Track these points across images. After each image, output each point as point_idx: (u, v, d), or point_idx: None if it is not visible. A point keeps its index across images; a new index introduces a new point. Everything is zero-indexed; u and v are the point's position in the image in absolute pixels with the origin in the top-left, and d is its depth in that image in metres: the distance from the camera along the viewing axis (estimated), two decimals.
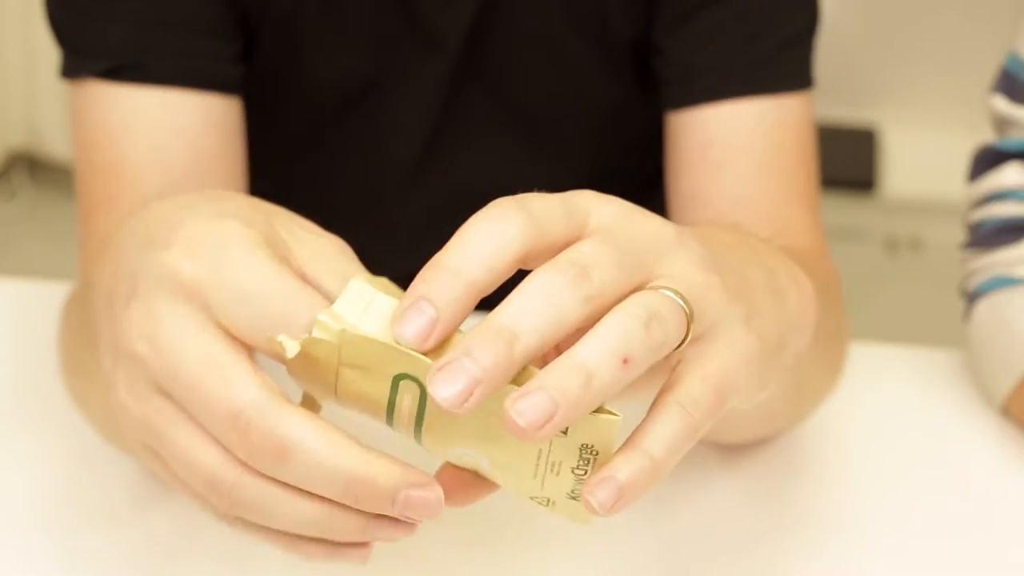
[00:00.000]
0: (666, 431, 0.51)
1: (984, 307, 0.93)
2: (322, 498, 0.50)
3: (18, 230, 2.72)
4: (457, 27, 0.89)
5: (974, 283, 0.94)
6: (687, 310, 0.51)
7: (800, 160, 0.88)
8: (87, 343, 0.66)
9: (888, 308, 2.35)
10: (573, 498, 0.53)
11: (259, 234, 0.52)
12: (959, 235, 0.98)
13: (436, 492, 0.51)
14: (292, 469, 0.49)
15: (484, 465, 0.53)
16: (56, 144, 2.75)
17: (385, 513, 0.51)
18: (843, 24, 2.58)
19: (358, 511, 0.51)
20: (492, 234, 0.51)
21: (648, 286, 0.51)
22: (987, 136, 0.97)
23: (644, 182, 1.04)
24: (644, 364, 0.49)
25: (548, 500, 0.53)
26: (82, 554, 0.79)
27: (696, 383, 0.52)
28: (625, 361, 0.49)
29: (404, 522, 0.51)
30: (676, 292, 0.51)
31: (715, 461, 0.86)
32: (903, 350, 0.99)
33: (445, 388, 0.47)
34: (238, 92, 0.87)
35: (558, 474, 0.52)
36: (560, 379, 0.48)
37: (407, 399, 0.51)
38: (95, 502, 0.83)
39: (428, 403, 0.51)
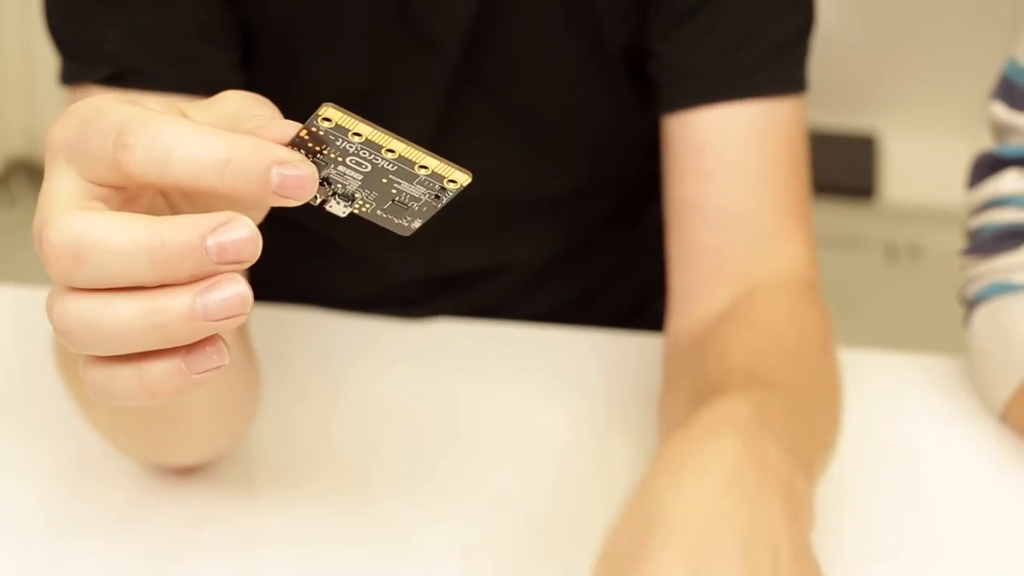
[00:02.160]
0: None
1: (983, 313, 0.93)
2: (137, 289, 0.47)
3: (17, 237, 2.72)
4: (455, 33, 0.89)
5: (973, 289, 0.94)
6: None
7: (792, 166, 0.88)
8: None
9: (888, 315, 2.35)
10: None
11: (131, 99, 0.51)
12: (959, 242, 0.98)
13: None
14: (92, 265, 0.47)
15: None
16: None
17: (203, 257, 0.47)
18: (842, 31, 2.58)
19: (180, 286, 0.47)
20: None
21: None
22: (987, 143, 0.97)
23: (642, 189, 1.04)
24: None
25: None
26: (82, 557, 0.79)
27: None
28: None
29: (226, 277, 0.47)
30: None
31: None
32: (902, 357, 0.99)
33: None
34: None
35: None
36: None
37: None
38: (95, 506, 0.83)
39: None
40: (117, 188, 0.49)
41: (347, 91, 0.92)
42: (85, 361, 0.50)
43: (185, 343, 0.48)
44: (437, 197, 0.51)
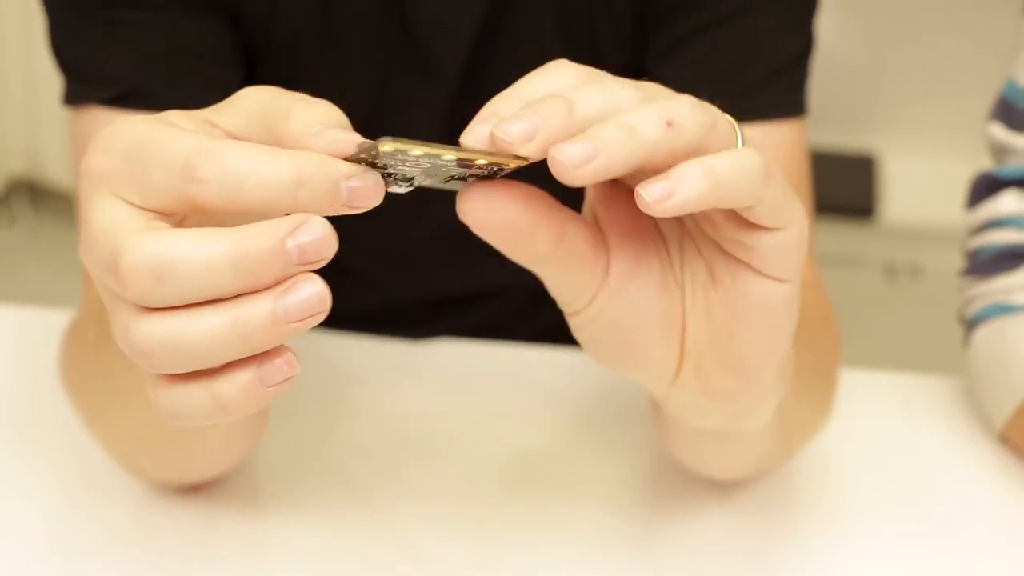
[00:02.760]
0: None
1: (983, 334, 0.93)
2: (219, 302, 0.48)
3: (18, 256, 2.73)
4: (456, 55, 0.90)
5: (973, 310, 0.94)
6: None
7: (794, 189, 0.88)
8: (109, 357, 0.67)
9: (888, 334, 2.35)
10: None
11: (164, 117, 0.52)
12: (959, 261, 0.98)
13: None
14: (175, 283, 0.47)
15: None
16: (57, 171, 2.75)
17: (286, 260, 0.48)
18: (842, 51, 2.59)
19: (259, 293, 0.48)
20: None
21: None
22: (986, 163, 0.98)
23: None
24: (689, 133, 0.51)
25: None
26: None
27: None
28: (669, 124, 0.50)
29: (301, 278, 0.48)
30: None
31: (709, 491, 0.86)
32: (902, 377, 0.99)
33: (513, 125, 0.49)
34: None
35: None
36: (603, 129, 0.49)
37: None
38: (97, 526, 0.83)
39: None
40: (170, 213, 0.50)
41: (348, 112, 0.92)
42: (156, 383, 0.50)
43: (267, 348, 0.49)
44: (494, 174, 0.53)
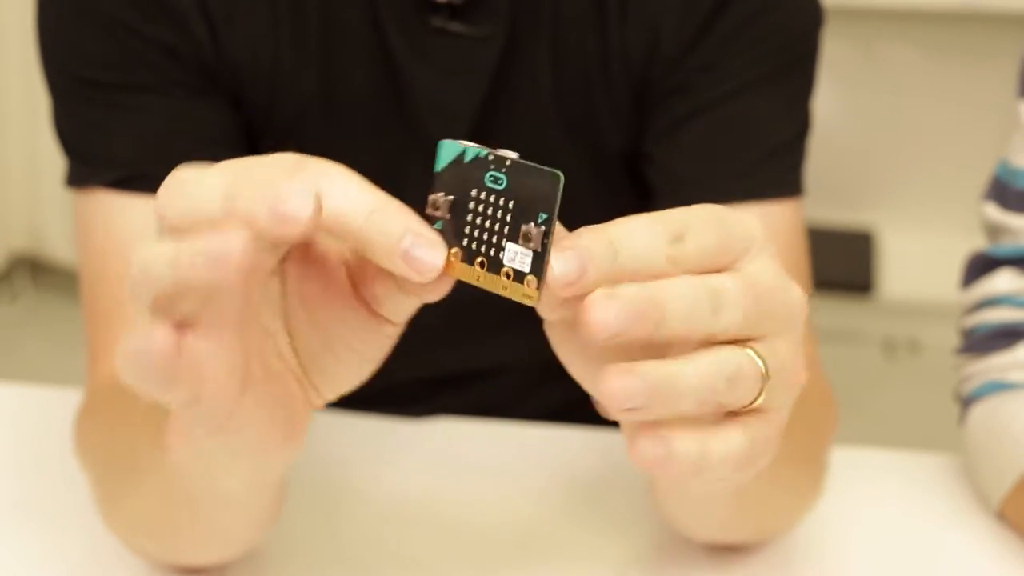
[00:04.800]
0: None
1: (979, 412, 0.93)
2: None
3: (20, 332, 2.73)
4: (455, 136, 0.90)
5: (969, 388, 0.95)
6: (764, 373, 0.54)
7: (790, 269, 0.89)
8: (131, 431, 0.67)
9: (886, 411, 2.35)
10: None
11: None
12: (957, 338, 0.98)
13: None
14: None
15: None
16: (58, 247, 2.76)
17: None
18: (840, 129, 2.61)
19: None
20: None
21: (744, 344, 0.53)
22: (983, 239, 0.98)
23: None
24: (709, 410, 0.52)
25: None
26: None
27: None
28: (702, 404, 0.52)
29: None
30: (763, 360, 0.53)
31: (710, 566, 0.86)
32: (899, 455, 1.00)
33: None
34: None
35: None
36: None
37: None
38: None
39: None
40: None
41: None
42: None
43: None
44: None
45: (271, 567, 0.86)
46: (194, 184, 0.51)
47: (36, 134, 2.63)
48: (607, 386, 0.50)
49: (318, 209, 0.49)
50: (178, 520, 0.75)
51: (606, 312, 0.50)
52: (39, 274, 2.85)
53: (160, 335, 0.49)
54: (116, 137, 0.85)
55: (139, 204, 0.84)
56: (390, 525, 0.90)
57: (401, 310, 0.57)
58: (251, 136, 0.91)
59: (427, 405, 1.04)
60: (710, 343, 0.52)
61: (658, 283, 0.51)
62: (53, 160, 2.57)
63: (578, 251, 0.51)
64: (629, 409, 0.50)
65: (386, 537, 0.89)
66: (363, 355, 0.58)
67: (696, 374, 0.51)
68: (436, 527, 0.90)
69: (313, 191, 0.48)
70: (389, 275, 0.54)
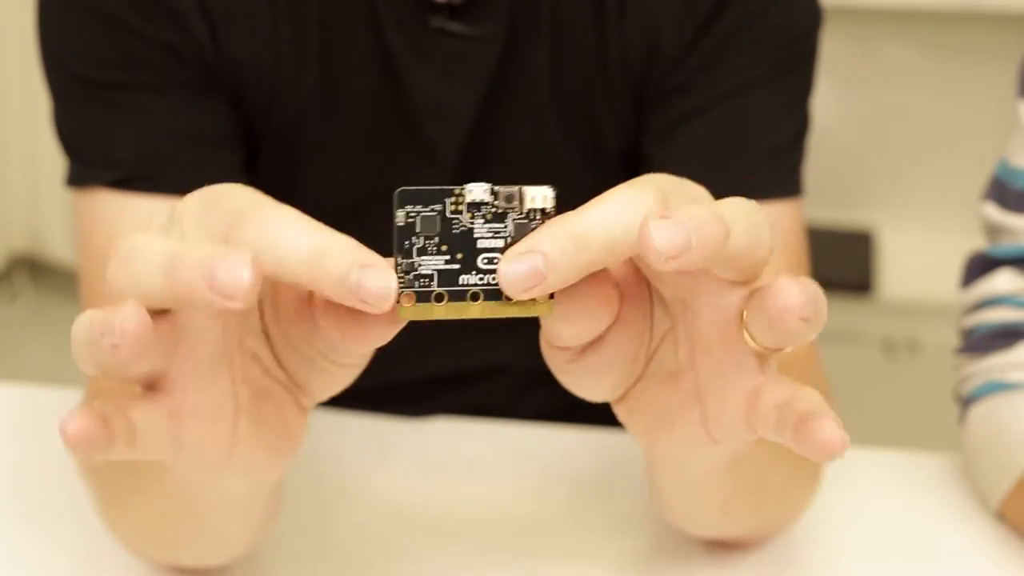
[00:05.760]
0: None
1: (978, 412, 0.93)
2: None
3: (19, 332, 2.73)
4: (454, 136, 0.91)
5: (968, 388, 0.95)
6: None
7: (790, 269, 0.89)
8: None
9: (886, 411, 2.35)
10: None
11: None
12: (957, 337, 0.99)
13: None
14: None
15: None
16: (58, 247, 2.77)
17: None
18: (839, 128, 2.61)
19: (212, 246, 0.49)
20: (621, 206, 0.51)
21: None
22: (983, 239, 0.98)
23: None
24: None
25: None
26: None
27: None
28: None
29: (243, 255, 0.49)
30: None
31: (709, 566, 0.86)
32: (899, 455, 1.00)
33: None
34: None
35: None
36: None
37: None
38: None
39: None
40: None
41: (348, 193, 0.93)
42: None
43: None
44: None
45: (270, 567, 0.86)
46: (136, 260, 0.50)
47: (36, 134, 2.63)
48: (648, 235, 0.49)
49: (254, 280, 0.48)
50: (179, 527, 0.75)
51: (673, 229, 0.49)
52: (39, 274, 2.85)
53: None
54: (116, 137, 0.85)
55: (139, 204, 0.84)
56: (388, 524, 0.90)
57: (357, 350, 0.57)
58: (251, 136, 0.91)
59: (426, 405, 1.04)
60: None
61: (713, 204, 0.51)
62: (53, 160, 2.58)
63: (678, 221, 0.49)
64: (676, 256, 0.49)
65: (384, 536, 0.89)
66: (344, 366, 0.58)
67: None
68: (435, 527, 0.90)
69: (247, 258, 0.47)
70: (334, 327, 0.54)
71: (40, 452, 0.94)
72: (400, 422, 1.01)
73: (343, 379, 0.59)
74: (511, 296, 0.51)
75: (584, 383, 0.59)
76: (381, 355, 0.60)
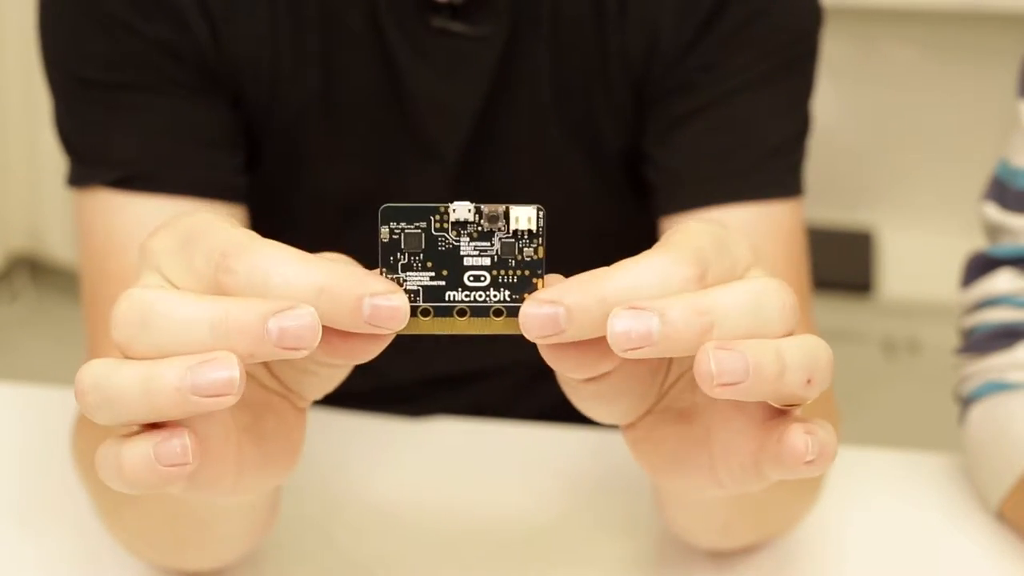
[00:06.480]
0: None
1: (978, 412, 0.93)
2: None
3: (20, 332, 2.73)
4: (455, 137, 0.91)
5: (968, 388, 0.95)
6: None
7: (790, 268, 0.89)
8: None
9: (886, 410, 2.35)
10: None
11: None
12: (956, 337, 0.99)
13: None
14: (153, 331, 0.49)
15: None
16: (58, 247, 2.77)
17: (263, 336, 0.49)
18: (840, 128, 2.61)
19: (175, 358, 0.49)
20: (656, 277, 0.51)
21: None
22: (983, 239, 0.98)
23: None
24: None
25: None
26: None
27: None
28: (809, 382, 0.51)
29: (222, 356, 0.49)
30: None
31: (706, 563, 0.86)
32: (899, 454, 1.00)
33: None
34: (244, 200, 0.88)
35: None
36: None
37: None
38: None
39: None
40: None
41: (349, 193, 0.93)
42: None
43: (170, 416, 0.49)
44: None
45: (268, 567, 0.86)
46: (108, 392, 0.50)
47: (36, 134, 2.63)
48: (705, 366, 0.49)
49: (241, 375, 0.48)
50: (180, 533, 0.76)
51: (730, 361, 0.49)
52: (39, 274, 2.85)
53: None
54: (117, 137, 0.85)
55: (140, 203, 0.84)
56: (387, 524, 0.90)
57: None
58: (251, 136, 0.91)
59: (424, 404, 1.04)
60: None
61: (764, 341, 0.50)
62: (53, 160, 2.59)
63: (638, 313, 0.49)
64: (729, 384, 0.49)
65: (382, 536, 0.89)
66: (335, 367, 0.58)
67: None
68: (433, 527, 0.90)
69: (232, 361, 0.48)
70: (321, 344, 0.52)
71: (40, 452, 0.94)
72: (399, 422, 1.01)
73: (335, 379, 0.60)
74: (529, 338, 0.51)
75: (591, 405, 0.59)
76: (381, 356, 0.60)
